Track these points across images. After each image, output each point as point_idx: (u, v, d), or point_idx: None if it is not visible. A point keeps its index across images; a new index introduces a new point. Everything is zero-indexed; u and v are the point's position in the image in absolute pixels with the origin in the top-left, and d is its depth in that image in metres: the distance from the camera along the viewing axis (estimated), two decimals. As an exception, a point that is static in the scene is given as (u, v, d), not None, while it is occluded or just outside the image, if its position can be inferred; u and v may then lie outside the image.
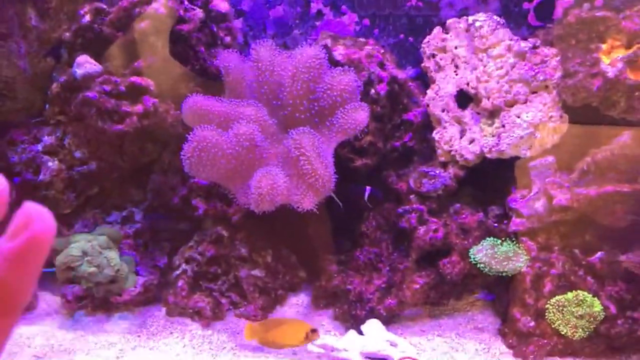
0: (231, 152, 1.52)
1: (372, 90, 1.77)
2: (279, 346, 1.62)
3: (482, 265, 1.69)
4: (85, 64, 1.58)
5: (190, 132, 1.50)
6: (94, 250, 1.70)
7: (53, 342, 1.73)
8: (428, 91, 1.87)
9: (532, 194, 1.74)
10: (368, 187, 1.71)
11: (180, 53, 1.67)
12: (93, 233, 1.76)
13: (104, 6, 1.62)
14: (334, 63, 1.77)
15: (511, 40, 1.72)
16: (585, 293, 1.63)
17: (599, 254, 1.66)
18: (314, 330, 1.56)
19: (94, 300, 1.79)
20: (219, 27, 1.76)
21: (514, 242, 1.73)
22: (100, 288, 1.75)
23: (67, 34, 1.65)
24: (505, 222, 1.79)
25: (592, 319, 1.61)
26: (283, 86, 1.66)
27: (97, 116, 1.57)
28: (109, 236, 1.74)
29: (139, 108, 1.61)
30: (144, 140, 1.76)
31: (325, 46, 1.79)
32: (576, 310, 1.63)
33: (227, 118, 1.58)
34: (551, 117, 1.67)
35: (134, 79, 1.62)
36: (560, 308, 1.64)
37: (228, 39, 1.80)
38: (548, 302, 1.65)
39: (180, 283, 1.82)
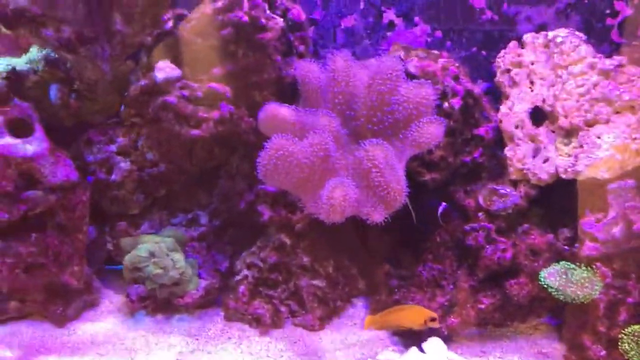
0: (306, 161, 1.51)
1: (446, 104, 1.74)
2: (397, 327, 1.67)
3: (553, 289, 1.64)
4: (166, 69, 1.60)
5: (267, 140, 1.50)
6: (161, 252, 1.72)
7: (115, 340, 1.75)
8: (501, 107, 1.83)
9: (609, 217, 1.67)
10: (443, 203, 1.67)
11: (258, 61, 1.67)
12: (160, 235, 1.78)
13: (187, 12, 1.65)
14: (407, 75, 1.74)
15: (594, 57, 1.67)
16: (664, 325, 1.56)
17: (680, 284, 1.59)
18: (433, 319, 1.60)
19: (155, 301, 1.81)
20: (294, 36, 1.77)
21: (588, 268, 1.66)
22: (163, 289, 1.77)
23: (149, 38, 1.68)
24: (576, 245, 1.73)
25: (670, 352, 1.54)
26: (357, 97, 1.65)
27: (175, 120, 1.59)
28: (176, 238, 1.76)
29: (215, 114, 1.62)
30: (213, 146, 1.77)
31: (399, 58, 1.77)
32: (653, 342, 1.56)
33: (302, 127, 1.57)
34: (635, 139, 1.61)
35: (212, 85, 1.63)
36: (636, 338, 1.57)
37: (302, 47, 1.81)
38: (622, 331, 1.58)
39: (241, 288, 1.82)
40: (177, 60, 1.68)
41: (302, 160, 1.50)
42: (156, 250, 1.71)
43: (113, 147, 1.77)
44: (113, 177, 1.76)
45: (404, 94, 1.61)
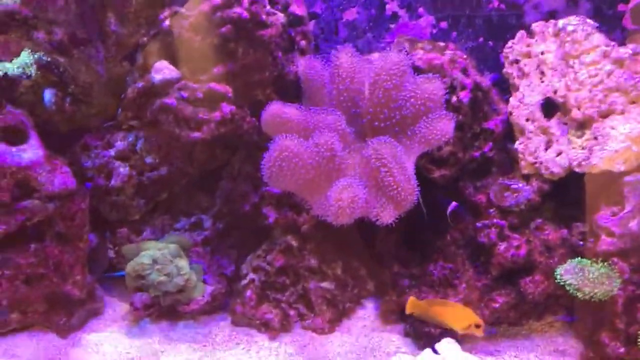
0: (312, 162, 1.46)
1: (454, 98, 1.68)
2: (439, 323, 1.60)
3: (570, 287, 1.59)
4: (164, 70, 1.54)
5: (270, 140, 1.44)
6: (165, 258, 1.67)
7: (121, 349, 1.71)
8: (511, 99, 1.77)
9: (625, 211, 1.62)
10: (453, 203, 1.62)
11: (259, 59, 1.61)
12: (163, 241, 1.73)
13: (184, 10, 1.58)
14: (413, 69, 1.69)
15: (607, 46, 1.61)
16: (685, 320, 1.52)
17: (700, 278, 1.54)
18: (478, 325, 1.55)
19: (160, 309, 1.77)
20: (295, 31, 1.70)
21: (605, 264, 1.61)
22: (168, 297, 1.73)
23: (145, 38, 1.62)
24: (591, 240, 1.68)
25: (691, 348, 1.50)
26: (363, 94, 1.59)
27: (174, 123, 1.54)
28: (180, 244, 1.72)
29: (216, 115, 1.57)
30: (214, 147, 1.72)
31: (405, 51, 1.71)
32: (674, 339, 1.51)
33: (307, 127, 1.52)
34: (651, 129, 1.55)
35: (212, 85, 1.58)
36: (656, 335, 1.53)
37: (303, 43, 1.74)
38: (642, 328, 1.54)
39: (248, 293, 1.77)
40: (175, 60, 1.61)
41: (308, 161, 1.45)
42: (159, 257, 1.67)
43: (111, 152, 1.72)
44: (112, 182, 1.71)
45: (411, 89, 1.55)
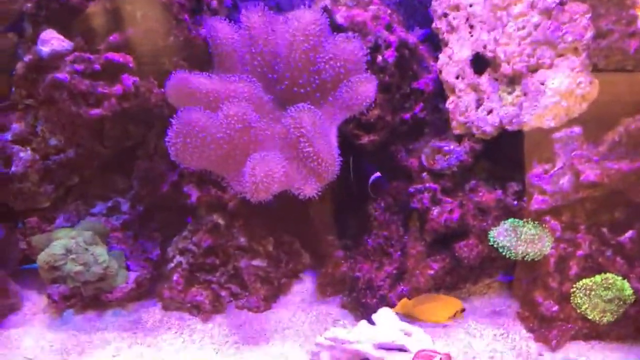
0: (222, 136, 1.34)
1: (379, 57, 1.58)
2: (423, 321, 1.58)
3: (503, 249, 1.56)
4: (52, 41, 1.37)
5: (175, 115, 1.32)
6: (79, 247, 1.55)
7: (43, 343, 1.61)
8: (440, 55, 1.68)
9: (556, 168, 1.58)
10: (376, 174, 1.54)
11: (162, 23, 1.45)
12: (77, 228, 1.60)
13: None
14: (335, 27, 1.57)
15: (535, -5, 1.52)
16: (614, 275, 1.51)
17: (629, 233, 1.53)
18: (463, 310, 1.53)
19: (83, 299, 1.66)
20: (204, -11, 1.55)
21: (537, 224, 1.58)
22: (88, 287, 1.62)
23: (29, 4, 1.42)
24: (525, 199, 1.65)
25: (621, 302, 1.50)
26: (279, 57, 1.47)
27: (70, 100, 1.39)
28: (95, 231, 1.60)
29: (117, 89, 1.42)
30: (126, 123, 1.58)
31: (325, 8, 1.59)
32: (605, 294, 1.51)
33: (217, 97, 1.40)
34: (580, 83, 1.49)
35: (110, 55, 1.42)
36: (588, 292, 1.52)
37: (214, 3, 1.58)
38: (574, 285, 1.53)
39: (175, 277, 1.68)
40: (66, 29, 1.44)
41: (218, 135, 1.34)
42: (73, 246, 1.54)
43: (7, 136, 1.55)
44: (13, 169, 1.56)
45: (329, 50, 1.44)
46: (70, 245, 1.55)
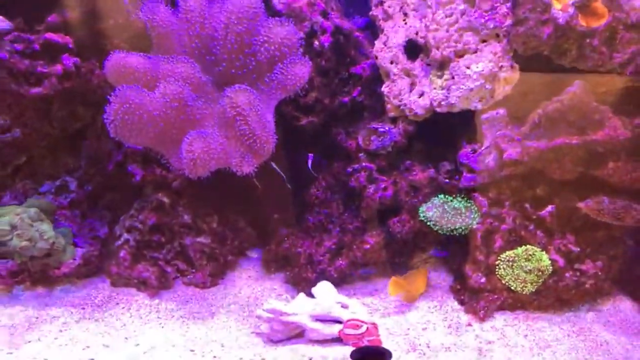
0: (158, 113, 1.40)
1: (316, 42, 1.66)
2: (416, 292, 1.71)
3: (431, 223, 1.65)
4: (-9, 21, 1.42)
5: (112, 93, 1.38)
6: (24, 223, 1.60)
7: (-10, 319, 1.65)
8: (376, 42, 1.76)
9: (483, 148, 1.68)
10: (310, 155, 1.62)
11: (102, 4, 1.50)
12: (22, 206, 1.65)
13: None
14: (274, 13, 1.64)
15: (459, -16, 1.61)
16: (535, 247, 1.61)
17: (549, 207, 1.63)
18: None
19: (31, 275, 1.70)
20: (142, -26, 1.60)
21: (465, 199, 1.68)
22: (35, 262, 1.66)
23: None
24: (456, 177, 1.74)
25: (540, 273, 1.60)
26: (216, 40, 1.53)
27: (10, 78, 1.43)
28: (41, 208, 1.64)
29: (57, 68, 1.46)
30: (75, 105, 1.62)
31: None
32: (525, 265, 1.61)
33: (155, 76, 1.46)
34: (502, 67, 1.59)
35: (49, 35, 1.46)
36: (510, 263, 1.62)
37: (157, -14, 1.64)
38: (498, 257, 1.63)
39: (122, 253, 1.74)
40: (7, 10, 1.48)
41: (154, 112, 1.40)
42: (17, 222, 1.59)
43: (-47, 114, 1.59)
44: (-42, 148, 1.60)
45: (264, 34, 1.51)
46: (14, 221, 1.60)
